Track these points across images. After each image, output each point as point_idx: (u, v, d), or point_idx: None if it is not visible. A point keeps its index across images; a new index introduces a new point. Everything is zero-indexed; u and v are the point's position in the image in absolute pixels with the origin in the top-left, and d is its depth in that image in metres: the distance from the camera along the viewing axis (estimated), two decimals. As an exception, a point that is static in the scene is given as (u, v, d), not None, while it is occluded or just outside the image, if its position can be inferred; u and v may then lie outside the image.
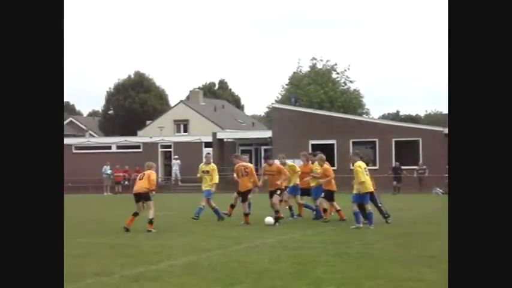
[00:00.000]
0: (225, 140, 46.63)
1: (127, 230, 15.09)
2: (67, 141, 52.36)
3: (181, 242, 13.07)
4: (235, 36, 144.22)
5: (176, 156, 46.38)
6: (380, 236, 13.71)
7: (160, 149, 48.14)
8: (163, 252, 11.55)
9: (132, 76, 76.66)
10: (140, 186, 15.54)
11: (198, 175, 18.23)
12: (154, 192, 15.68)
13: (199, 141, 47.12)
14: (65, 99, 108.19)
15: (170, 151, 47.82)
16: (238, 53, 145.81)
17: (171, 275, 9.07)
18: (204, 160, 18.80)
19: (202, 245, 12.44)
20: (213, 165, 18.16)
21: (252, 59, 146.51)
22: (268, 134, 44.79)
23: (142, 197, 15.46)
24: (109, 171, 43.18)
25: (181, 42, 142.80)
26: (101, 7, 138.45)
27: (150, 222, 15.22)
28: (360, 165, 15.67)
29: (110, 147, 48.57)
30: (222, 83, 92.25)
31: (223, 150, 45.05)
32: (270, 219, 16.33)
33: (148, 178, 15.47)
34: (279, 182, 16.69)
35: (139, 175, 15.88)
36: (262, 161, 46.80)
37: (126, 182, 43.07)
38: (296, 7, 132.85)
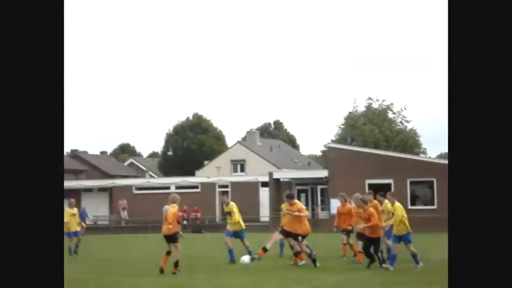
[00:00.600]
0: (281, 179, 46.79)
1: (161, 271, 14.65)
2: (128, 182, 53.52)
3: (241, 282, 13.18)
4: (289, 77, 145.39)
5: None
6: (439, 276, 13.56)
7: (218, 189, 48.62)
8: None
9: (191, 118, 78.22)
10: (166, 228, 14.99)
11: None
12: (180, 233, 15.06)
13: (256, 181, 47.42)
14: (126, 141, 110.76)
15: (228, 191, 48.22)
16: (293, 94, 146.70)
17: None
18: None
19: (261, 286, 12.54)
20: (231, 205, 18.04)
21: (307, 99, 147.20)
22: (324, 173, 44.73)
23: (169, 239, 14.99)
24: (169, 211, 43.76)
25: (237, 85, 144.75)
26: (158, 52, 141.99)
27: (175, 265, 14.71)
28: (401, 206, 15.46)
29: (169, 188, 49.27)
30: (277, 123, 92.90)
31: (280, 190, 45.17)
32: (246, 259, 15.66)
33: (167, 220, 14.96)
34: (301, 229, 15.90)
35: (164, 214, 15.23)
36: (319, 200, 47.35)
37: (185, 222, 43.59)
38: (351, 47, 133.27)
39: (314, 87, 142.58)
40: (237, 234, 17.82)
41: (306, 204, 46.10)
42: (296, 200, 16.48)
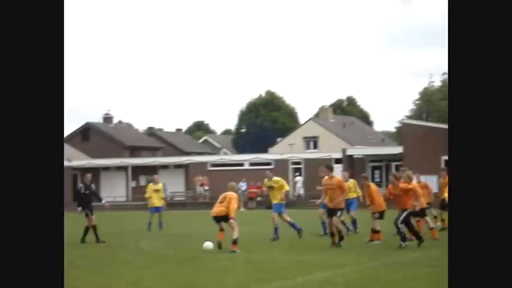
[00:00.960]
0: (354, 156, 46.46)
1: (219, 244, 14.68)
2: (203, 158, 54.37)
3: (316, 258, 13.25)
4: (363, 53, 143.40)
5: (298, 173, 46.93)
6: None
7: (290, 166, 48.73)
8: (298, 267, 11.80)
9: (264, 95, 78.59)
10: (220, 209, 14.84)
11: (264, 188, 18.70)
12: (231, 220, 14.69)
13: (329, 157, 47.27)
14: (200, 119, 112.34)
15: (300, 168, 48.32)
16: (366, 69, 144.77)
17: (307, 290, 9.29)
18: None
19: (337, 261, 12.57)
20: (275, 179, 18.27)
21: (381, 74, 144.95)
22: (398, 150, 44.13)
23: (221, 219, 14.82)
24: (244, 188, 44.30)
25: (310, 61, 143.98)
26: (232, 30, 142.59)
27: (234, 242, 14.55)
28: None
29: (242, 164, 49.79)
30: (351, 100, 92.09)
31: (353, 167, 44.90)
32: (208, 244, 15.10)
33: (229, 204, 14.74)
34: (340, 199, 15.46)
35: (220, 198, 15.03)
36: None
37: (259, 198, 44.03)
38: (425, 21, 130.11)
39: (389, 62, 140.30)
40: (275, 207, 17.99)
41: (380, 181, 45.70)
42: (334, 174, 16.04)
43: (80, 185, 18.50)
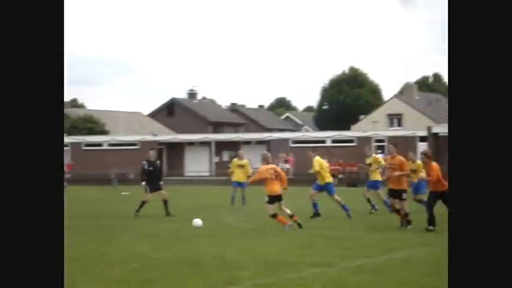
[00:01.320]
0: (440, 134, 45.45)
1: (299, 224, 14.51)
2: (285, 135, 54.51)
3: (400, 236, 13.13)
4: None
5: (379, 151, 46.36)
6: None
7: (373, 143, 48.19)
8: (382, 245, 11.72)
9: (347, 71, 77.78)
10: (280, 188, 14.48)
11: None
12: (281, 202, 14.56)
13: (413, 135, 46.44)
14: (281, 95, 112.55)
15: (383, 145, 47.72)
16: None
17: (391, 269, 9.19)
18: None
19: (421, 239, 12.43)
20: (316, 159, 17.99)
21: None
22: (486, 128, 42.89)
23: (279, 198, 14.51)
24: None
25: (394, 37, 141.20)
26: (318, 7, 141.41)
27: (291, 216, 14.45)
28: None
29: (324, 141, 49.57)
30: (437, 76, 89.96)
31: (439, 145, 43.96)
32: (198, 222, 15.03)
33: (282, 177, 14.54)
34: (400, 177, 14.84)
35: (271, 173, 14.43)
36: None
37: (341, 175, 43.78)
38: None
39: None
40: (323, 188, 17.70)
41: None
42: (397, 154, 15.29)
43: (144, 161, 18.92)
